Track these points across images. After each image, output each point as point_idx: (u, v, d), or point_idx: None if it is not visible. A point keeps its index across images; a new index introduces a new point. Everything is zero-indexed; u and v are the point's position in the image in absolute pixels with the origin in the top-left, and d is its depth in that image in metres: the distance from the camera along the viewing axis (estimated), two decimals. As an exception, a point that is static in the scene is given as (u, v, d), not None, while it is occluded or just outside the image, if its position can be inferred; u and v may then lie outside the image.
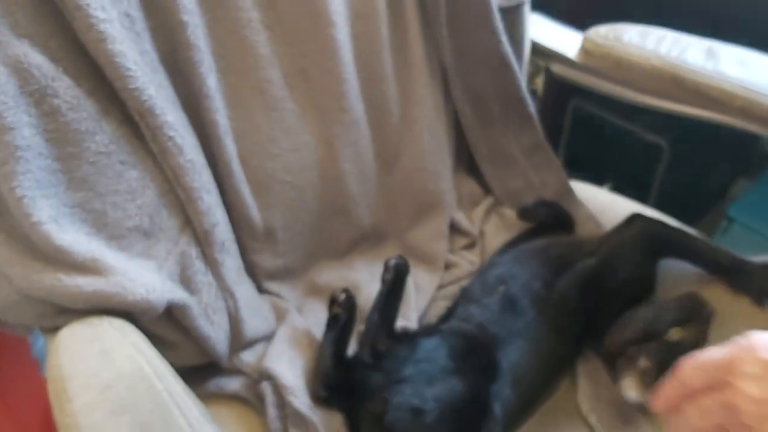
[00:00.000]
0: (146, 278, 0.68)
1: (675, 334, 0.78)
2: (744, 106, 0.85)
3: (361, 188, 0.97)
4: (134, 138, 0.71)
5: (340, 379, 0.80)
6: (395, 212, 1.02)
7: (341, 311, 0.86)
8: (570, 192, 1.02)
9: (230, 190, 0.84)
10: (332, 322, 0.86)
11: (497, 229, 1.04)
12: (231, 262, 0.81)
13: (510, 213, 1.05)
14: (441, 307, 0.96)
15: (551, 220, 1.02)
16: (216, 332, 0.78)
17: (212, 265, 0.78)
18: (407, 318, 0.91)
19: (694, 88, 0.89)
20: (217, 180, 0.81)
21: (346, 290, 0.88)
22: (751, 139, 1.60)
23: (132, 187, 0.71)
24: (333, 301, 0.87)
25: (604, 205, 1.02)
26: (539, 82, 1.57)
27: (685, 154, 1.43)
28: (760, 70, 0.88)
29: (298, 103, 0.88)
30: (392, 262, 0.89)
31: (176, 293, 0.71)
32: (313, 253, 0.97)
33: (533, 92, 1.40)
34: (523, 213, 1.04)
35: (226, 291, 0.79)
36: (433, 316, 0.95)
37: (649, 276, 0.88)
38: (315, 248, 0.97)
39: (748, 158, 1.62)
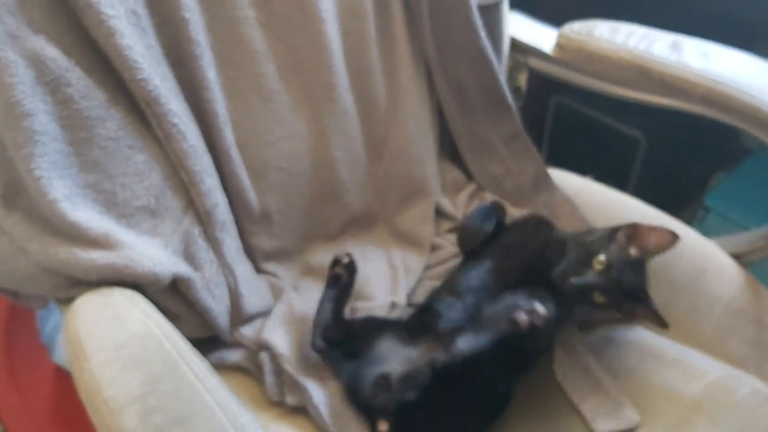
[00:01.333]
0: (153, 253, 0.74)
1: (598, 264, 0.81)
2: (704, 95, 0.91)
3: (351, 175, 1.02)
4: (141, 125, 0.77)
5: (337, 333, 0.86)
6: (384, 197, 1.08)
7: (343, 272, 0.92)
8: (547, 177, 1.08)
9: (229, 175, 0.89)
10: (333, 281, 0.92)
11: (479, 213, 1.10)
12: (230, 242, 0.87)
13: (491, 198, 1.11)
14: (428, 286, 1.02)
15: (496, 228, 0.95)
16: (217, 305, 0.84)
17: (213, 243, 0.84)
18: (397, 296, 0.97)
19: (659, 78, 0.95)
20: (217, 166, 0.87)
21: (348, 254, 0.93)
22: (731, 133, 1.64)
23: (139, 169, 0.77)
24: (336, 262, 0.93)
25: (579, 189, 1.08)
26: (522, 79, 1.62)
27: (662, 147, 1.48)
28: (721, 61, 0.95)
29: (291, 94, 0.94)
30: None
31: (181, 267, 0.77)
32: (307, 236, 1.03)
33: (517, 89, 1.46)
34: (464, 243, 0.98)
35: (226, 268, 0.85)
36: (420, 295, 1.01)
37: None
38: (309, 231, 1.03)
39: (727, 152, 1.67)
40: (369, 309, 0.94)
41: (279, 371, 0.84)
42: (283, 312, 0.92)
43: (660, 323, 0.83)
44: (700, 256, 0.97)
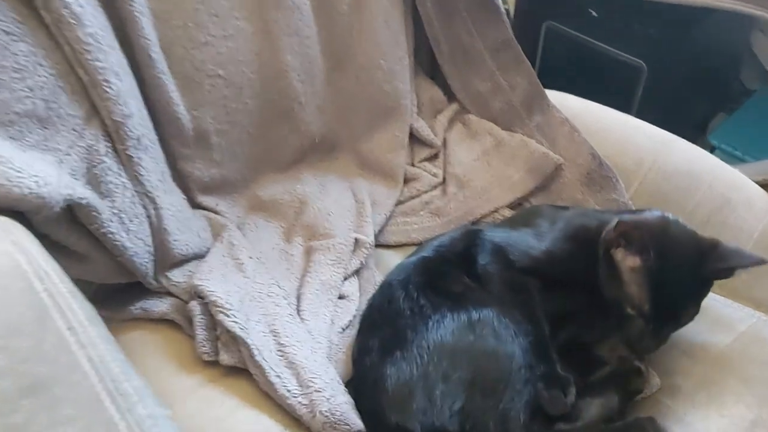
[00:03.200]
0: (38, 170, 0.58)
1: None
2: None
3: (307, 87, 0.88)
4: (21, 5, 0.62)
5: None
6: (348, 117, 0.94)
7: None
8: (542, 95, 0.94)
9: (151, 83, 0.74)
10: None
11: (461, 138, 0.96)
12: (151, 164, 0.71)
13: (476, 120, 0.97)
14: (401, 223, 0.89)
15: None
16: (134, 243, 0.69)
17: (126, 164, 0.69)
18: (364, 233, 0.84)
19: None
20: (134, 69, 0.72)
21: None
22: (730, 74, 1.63)
23: (20, 63, 0.62)
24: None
25: (579, 111, 0.95)
26: (510, 1, 1.47)
27: (665, 77, 1.37)
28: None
29: (228, -19, 0.77)
30: None
31: (77, 190, 0.62)
32: (255, 163, 0.89)
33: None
34: None
35: (145, 196, 0.71)
36: (391, 233, 0.89)
37: None
38: (257, 157, 0.88)
39: (729, 92, 1.66)
40: (328, 247, 0.80)
41: (212, 324, 0.69)
42: (222, 252, 0.78)
43: None
44: (724, 185, 0.87)
